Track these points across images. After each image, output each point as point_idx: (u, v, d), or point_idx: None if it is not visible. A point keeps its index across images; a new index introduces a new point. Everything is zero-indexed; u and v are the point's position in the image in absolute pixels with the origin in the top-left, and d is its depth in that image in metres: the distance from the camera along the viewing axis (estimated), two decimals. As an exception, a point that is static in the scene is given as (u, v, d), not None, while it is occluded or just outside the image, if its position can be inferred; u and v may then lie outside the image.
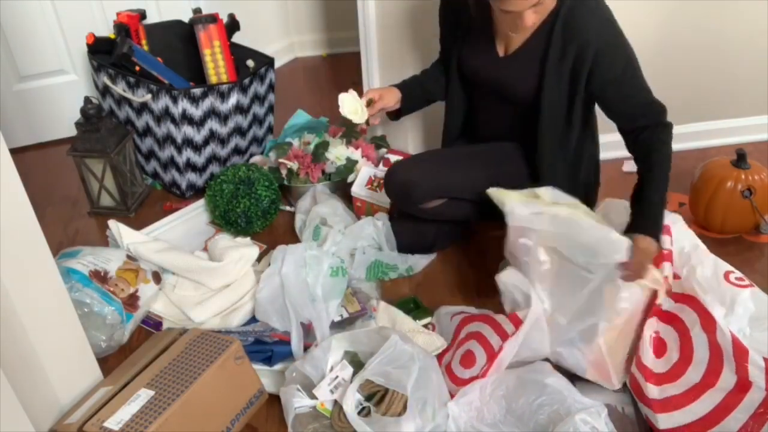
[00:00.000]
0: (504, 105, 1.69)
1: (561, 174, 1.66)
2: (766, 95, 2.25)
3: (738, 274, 1.42)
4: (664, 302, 1.40)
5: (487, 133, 1.79)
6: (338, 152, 2.13)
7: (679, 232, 1.51)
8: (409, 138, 2.32)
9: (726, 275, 1.40)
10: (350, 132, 2.21)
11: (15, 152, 1.35)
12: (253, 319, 1.70)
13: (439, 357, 1.52)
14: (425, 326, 1.64)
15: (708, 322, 1.31)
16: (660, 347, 1.37)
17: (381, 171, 2.01)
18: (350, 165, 2.10)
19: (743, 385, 1.24)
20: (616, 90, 1.54)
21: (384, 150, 2.18)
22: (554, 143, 1.64)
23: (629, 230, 1.43)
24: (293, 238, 2.03)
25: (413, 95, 1.83)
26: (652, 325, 1.38)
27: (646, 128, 1.54)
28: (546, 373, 1.38)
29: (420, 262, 1.88)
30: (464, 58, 1.72)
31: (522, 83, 1.61)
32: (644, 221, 1.45)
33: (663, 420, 1.31)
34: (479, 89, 1.75)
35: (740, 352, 1.24)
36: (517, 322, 1.41)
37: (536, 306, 1.42)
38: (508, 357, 1.40)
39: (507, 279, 1.46)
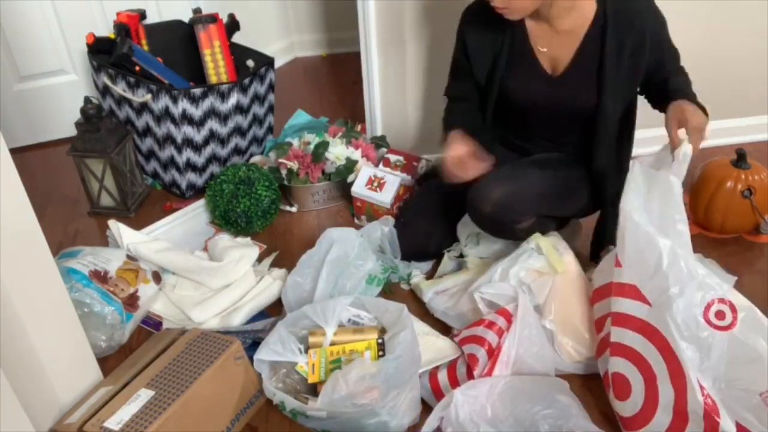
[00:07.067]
0: (557, 120, 1.67)
1: (612, 174, 1.64)
2: (766, 95, 2.25)
3: (720, 307, 1.23)
4: (621, 335, 1.32)
5: (534, 146, 1.76)
6: (338, 152, 2.13)
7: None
8: (410, 137, 2.32)
9: (707, 309, 1.23)
10: (350, 132, 2.21)
11: (15, 152, 1.34)
12: (253, 319, 1.70)
13: (452, 366, 1.48)
14: None
15: (679, 381, 1.23)
16: (623, 388, 1.33)
17: (381, 171, 2.01)
18: (350, 165, 2.10)
19: None
20: (659, 51, 1.58)
21: (384, 150, 2.17)
22: (611, 146, 1.64)
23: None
24: (293, 238, 2.04)
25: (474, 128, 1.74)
26: (613, 363, 1.34)
27: (669, 74, 1.60)
28: (561, 391, 1.36)
29: (421, 267, 1.86)
30: (513, 89, 1.66)
31: (583, 96, 1.59)
32: (684, 97, 1.50)
33: None
34: (531, 110, 1.69)
35: (711, 421, 1.20)
36: (508, 316, 1.42)
37: (523, 298, 1.43)
38: (511, 352, 1.40)
39: (489, 290, 1.49)
